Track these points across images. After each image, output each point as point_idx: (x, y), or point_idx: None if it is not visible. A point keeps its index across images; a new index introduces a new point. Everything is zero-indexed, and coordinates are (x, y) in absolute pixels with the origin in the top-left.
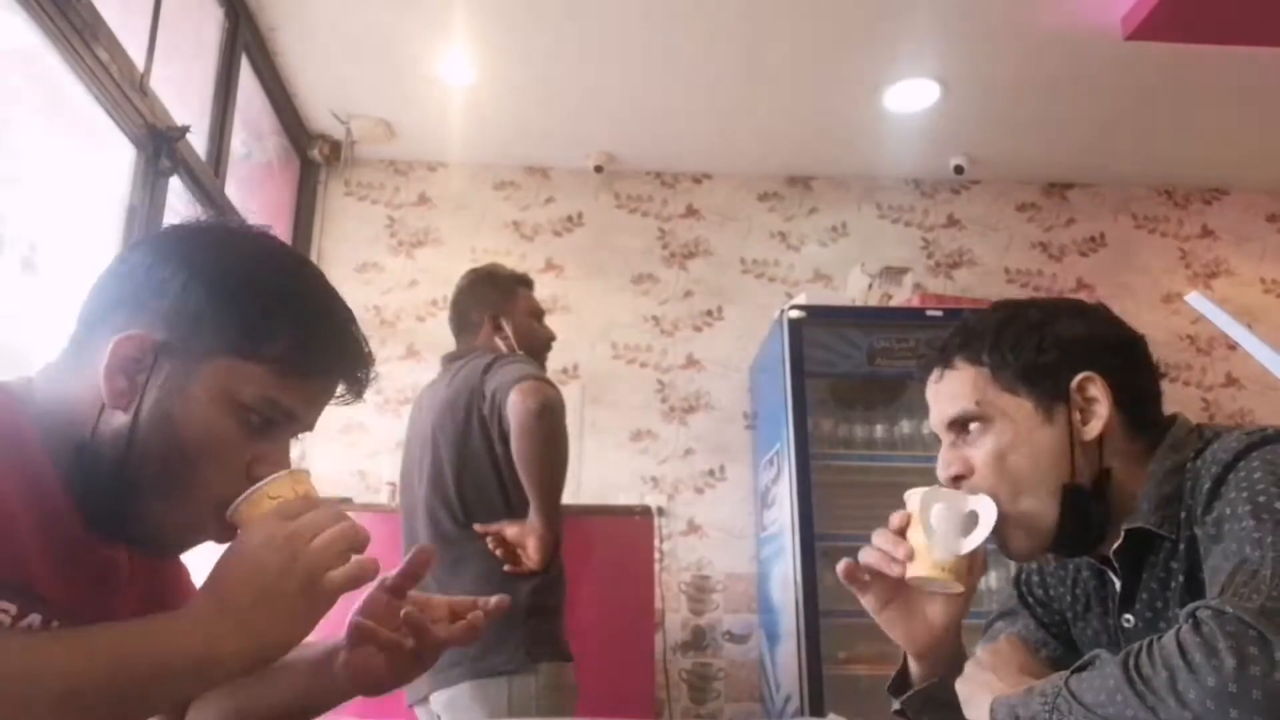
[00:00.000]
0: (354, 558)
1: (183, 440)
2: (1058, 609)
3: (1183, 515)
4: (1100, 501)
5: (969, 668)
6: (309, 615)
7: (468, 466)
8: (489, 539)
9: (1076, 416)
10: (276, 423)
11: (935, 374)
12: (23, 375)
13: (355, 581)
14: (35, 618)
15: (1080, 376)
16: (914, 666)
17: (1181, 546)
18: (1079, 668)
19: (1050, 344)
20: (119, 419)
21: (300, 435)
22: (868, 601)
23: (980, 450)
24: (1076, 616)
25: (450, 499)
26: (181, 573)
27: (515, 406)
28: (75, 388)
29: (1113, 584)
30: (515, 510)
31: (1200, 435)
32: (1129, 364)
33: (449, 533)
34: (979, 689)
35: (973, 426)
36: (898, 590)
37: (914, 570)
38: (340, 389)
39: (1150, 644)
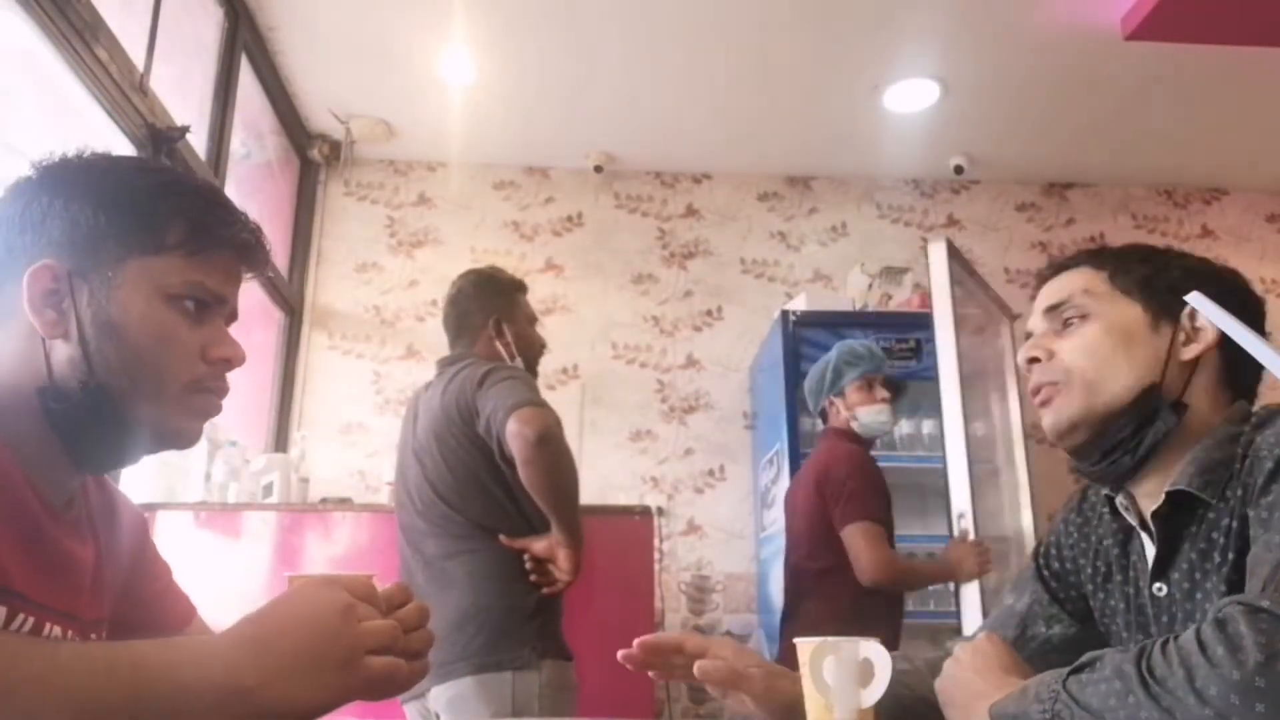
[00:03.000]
0: (392, 658)
1: (136, 341)
2: (1074, 583)
3: (1239, 492)
4: (1169, 418)
5: (949, 667)
6: (338, 688)
7: (472, 477)
8: (525, 559)
9: (1181, 336)
10: (208, 306)
11: (1054, 274)
12: None
13: (390, 674)
14: (1, 610)
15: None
16: None
17: (1233, 523)
18: (1077, 668)
19: (1175, 266)
20: (65, 348)
21: (231, 321)
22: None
23: (1074, 337)
24: (1097, 588)
25: (455, 503)
26: (161, 572)
27: (514, 437)
28: (3, 349)
29: (1140, 551)
30: (528, 516)
31: (1255, 414)
32: (1246, 312)
33: (458, 531)
34: (962, 690)
35: (1073, 319)
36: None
37: None
38: (244, 266)
39: (1165, 642)
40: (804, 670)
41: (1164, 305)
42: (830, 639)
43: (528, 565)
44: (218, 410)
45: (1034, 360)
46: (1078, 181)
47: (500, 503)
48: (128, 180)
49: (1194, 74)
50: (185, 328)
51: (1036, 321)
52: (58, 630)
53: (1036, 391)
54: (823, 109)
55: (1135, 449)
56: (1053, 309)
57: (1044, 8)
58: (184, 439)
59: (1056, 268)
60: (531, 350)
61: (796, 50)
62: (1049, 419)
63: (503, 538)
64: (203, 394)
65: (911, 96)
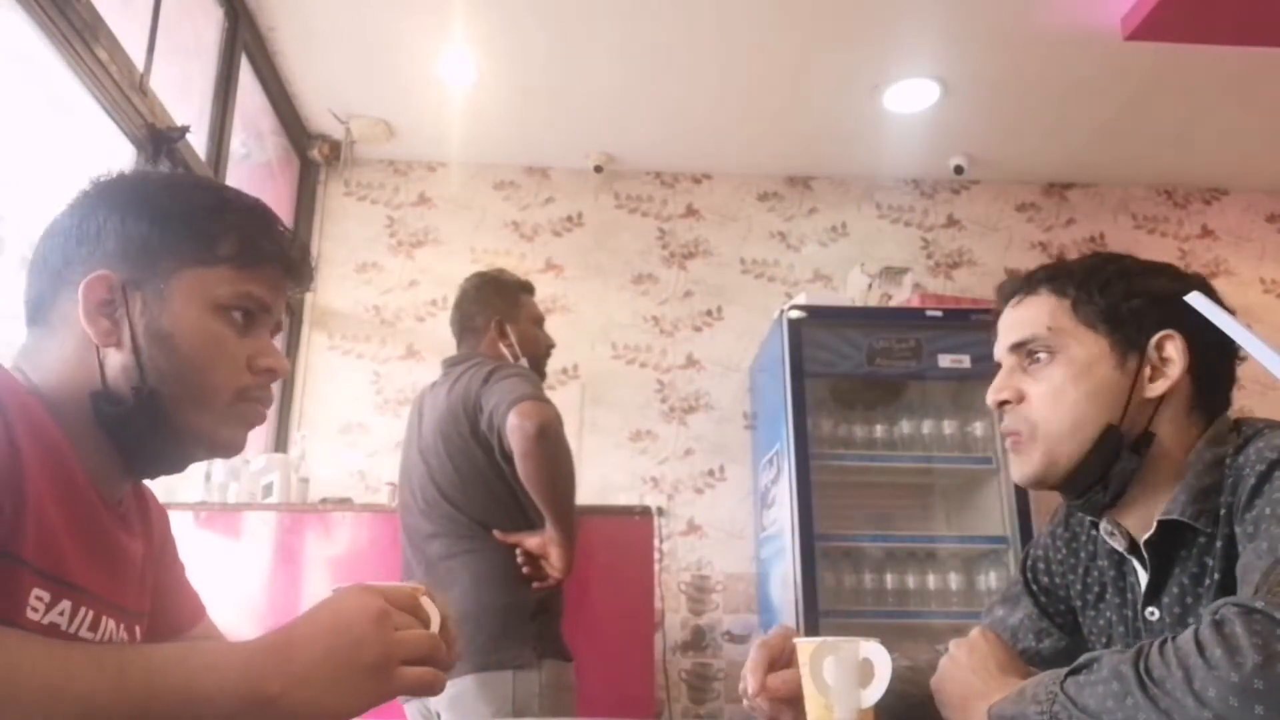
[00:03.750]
0: (428, 669)
1: (187, 351)
2: (1063, 597)
3: (1221, 512)
4: (1131, 458)
5: (945, 665)
6: (370, 695)
7: (476, 474)
8: (517, 553)
9: (1147, 371)
10: (255, 316)
11: (1015, 299)
12: None
13: (423, 685)
14: (66, 604)
15: (1161, 333)
16: None
17: (1219, 543)
18: (1074, 669)
19: (1139, 292)
20: (119, 356)
21: (276, 332)
22: None
23: (1042, 381)
24: (1087, 605)
25: (459, 502)
26: (178, 569)
27: (514, 430)
28: (59, 355)
29: (1134, 574)
30: (530, 516)
31: (1239, 431)
32: (1214, 336)
33: (461, 530)
34: (959, 690)
35: (1040, 356)
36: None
37: None
38: (290, 280)
39: (1163, 643)
40: (804, 670)
41: (1129, 338)
42: (830, 639)
43: (519, 560)
44: (262, 419)
45: (1004, 402)
46: (1078, 181)
47: (503, 501)
48: (182, 196)
49: (1194, 74)
50: (233, 338)
51: (1003, 354)
52: (112, 623)
53: (1007, 434)
54: (823, 109)
55: (1106, 487)
56: (1018, 346)
57: (1044, 8)
58: (230, 448)
59: (1016, 288)
60: (537, 350)
61: (796, 50)
62: (1015, 470)
63: (496, 532)
64: (249, 403)
65: (911, 96)
